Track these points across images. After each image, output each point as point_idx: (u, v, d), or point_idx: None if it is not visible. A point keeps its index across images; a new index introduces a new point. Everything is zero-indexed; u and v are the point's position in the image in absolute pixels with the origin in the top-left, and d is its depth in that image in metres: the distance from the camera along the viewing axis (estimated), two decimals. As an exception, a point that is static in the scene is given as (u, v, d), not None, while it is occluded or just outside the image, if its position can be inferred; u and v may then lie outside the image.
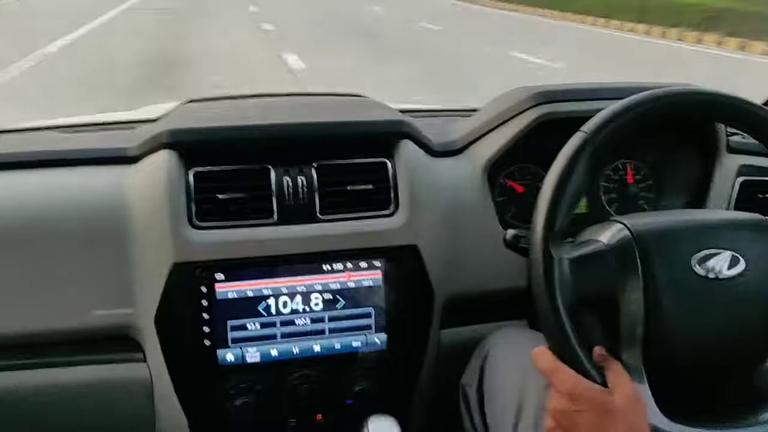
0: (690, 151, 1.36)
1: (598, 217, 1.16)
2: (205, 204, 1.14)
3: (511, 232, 1.02)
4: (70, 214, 1.14)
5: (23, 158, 1.21)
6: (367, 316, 1.18)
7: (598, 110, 0.94)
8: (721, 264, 0.89)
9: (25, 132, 1.44)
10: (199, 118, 1.28)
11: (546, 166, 0.93)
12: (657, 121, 0.94)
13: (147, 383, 1.14)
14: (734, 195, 1.33)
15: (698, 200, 1.34)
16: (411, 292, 1.19)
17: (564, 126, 0.97)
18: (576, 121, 0.94)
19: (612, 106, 0.93)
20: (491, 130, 1.30)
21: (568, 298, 0.87)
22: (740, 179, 1.33)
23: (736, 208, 1.32)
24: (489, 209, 1.26)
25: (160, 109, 1.36)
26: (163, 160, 1.15)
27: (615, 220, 0.95)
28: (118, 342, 1.14)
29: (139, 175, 1.17)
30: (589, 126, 0.92)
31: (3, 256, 1.11)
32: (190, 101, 1.37)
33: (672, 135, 1.35)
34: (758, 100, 1.02)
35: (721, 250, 0.90)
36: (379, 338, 1.19)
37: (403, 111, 1.42)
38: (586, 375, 0.84)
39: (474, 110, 1.44)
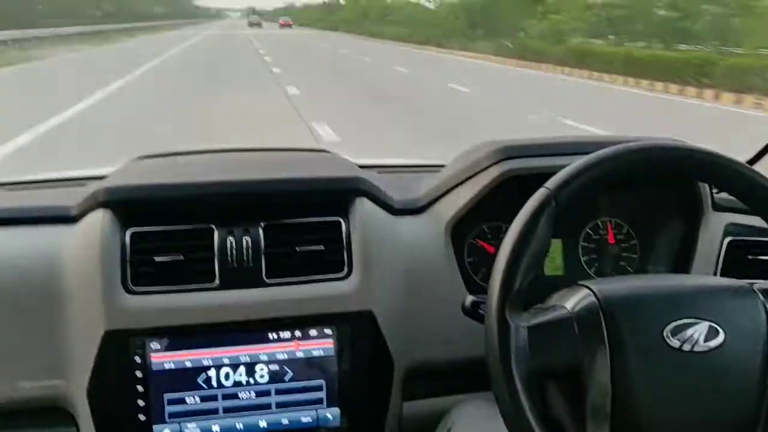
0: (673, 209, 1.28)
1: (577, 279, 1.07)
2: (142, 267, 1.06)
3: (470, 299, 0.95)
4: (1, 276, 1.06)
5: None
6: (318, 389, 1.08)
7: (565, 166, 0.89)
8: (698, 335, 0.83)
9: None
10: (143, 174, 1.21)
11: None
12: (628, 176, 0.88)
13: None
14: (722, 256, 1.24)
15: (683, 262, 1.24)
16: (367, 362, 1.09)
17: (533, 182, 0.92)
18: (543, 177, 0.89)
19: (578, 161, 0.89)
20: (454, 187, 1.23)
21: (525, 368, 0.81)
22: (728, 239, 1.24)
23: (724, 270, 1.23)
24: (453, 271, 1.17)
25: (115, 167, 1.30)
26: (98, 220, 1.08)
27: (582, 285, 0.89)
28: (51, 414, 1.06)
29: (76, 236, 1.10)
30: (552, 182, 0.87)
31: None
32: (141, 157, 1.30)
33: (653, 192, 1.26)
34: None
35: (697, 320, 0.83)
36: (332, 413, 1.09)
37: (367, 166, 1.35)
38: None
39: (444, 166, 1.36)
